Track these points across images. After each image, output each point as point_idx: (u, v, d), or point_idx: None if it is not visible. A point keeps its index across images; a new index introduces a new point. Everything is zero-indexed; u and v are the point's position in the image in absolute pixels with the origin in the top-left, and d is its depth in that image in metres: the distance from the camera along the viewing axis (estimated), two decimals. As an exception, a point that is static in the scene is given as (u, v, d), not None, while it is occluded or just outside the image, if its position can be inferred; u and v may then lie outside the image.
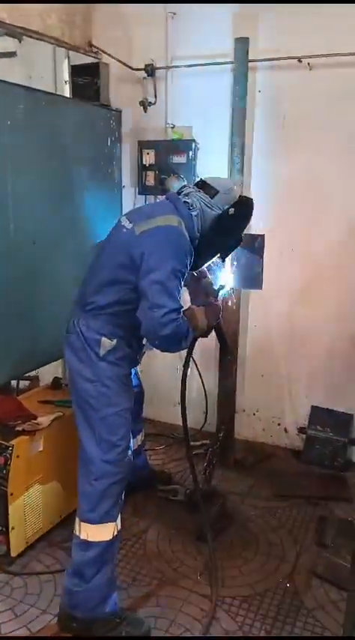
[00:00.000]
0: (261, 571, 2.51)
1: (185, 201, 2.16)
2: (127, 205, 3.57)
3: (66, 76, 3.58)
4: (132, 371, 2.33)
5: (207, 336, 2.31)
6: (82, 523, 2.09)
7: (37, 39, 3.08)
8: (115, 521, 2.10)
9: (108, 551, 2.09)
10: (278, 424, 3.63)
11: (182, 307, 2.03)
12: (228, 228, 2.21)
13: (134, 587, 2.39)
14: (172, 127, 3.49)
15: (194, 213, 2.14)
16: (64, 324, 2.20)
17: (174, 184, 3.28)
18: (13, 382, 3.39)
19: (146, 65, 3.44)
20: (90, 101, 3.37)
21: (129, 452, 2.12)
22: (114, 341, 2.09)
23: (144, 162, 3.50)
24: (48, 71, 3.65)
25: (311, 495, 3.06)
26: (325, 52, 2.98)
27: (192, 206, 2.15)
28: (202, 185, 2.22)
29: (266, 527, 2.82)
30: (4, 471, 2.40)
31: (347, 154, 3.11)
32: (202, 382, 3.49)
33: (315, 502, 3.01)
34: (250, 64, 3.05)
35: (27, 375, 3.43)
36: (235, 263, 2.87)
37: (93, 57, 3.53)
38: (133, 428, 2.27)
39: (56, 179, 2.94)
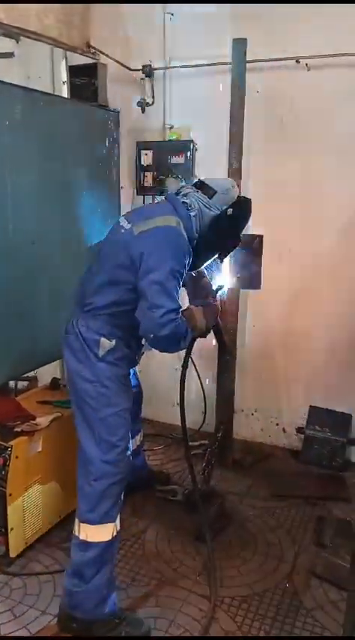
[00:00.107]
0: (259, 571, 2.51)
1: (183, 202, 2.16)
2: (125, 206, 3.57)
3: (64, 76, 3.58)
4: (131, 371, 2.33)
5: (205, 337, 2.31)
6: (81, 524, 2.09)
7: (35, 39, 3.07)
8: (115, 521, 2.10)
9: (108, 551, 2.09)
10: (277, 424, 3.64)
11: (181, 307, 2.04)
12: (227, 228, 2.22)
13: (133, 587, 2.39)
14: (170, 128, 3.49)
15: (192, 214, 2.15)
16: (63, 325, 2.20)
17: (172, 185, 3.29)
18: (12, 383, 3.38)
19: (144, 66, 3.44)
20: (88, 102, 3.37)
21: (128, 452, 2.12)
22: (113, 341, 2.09)
23: (142, 163, 3.50)
24: (46, 72, 3.65)
25: (309, 495, 3.07)
26: (323, 52, 2.98)
27: (190, 206, 2.16)
28: (200, 185, 2.22)
29: (264, 527, 2.82)
30: (3, 472, 2.40)
31: (346, 154, 3.12)
32: (201, 382, 3.49)
33: (314, 502, 3.01)
34: (248, 64, 3.05)
35: (25, 375, 3.42)
36: (234, 263, 2.87)
37: (91, 57, 3.53)
38: (132, 428, 2.27)
39: (54, 180, 2.94)
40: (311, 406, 3.46)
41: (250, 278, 2.94)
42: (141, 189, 3.56)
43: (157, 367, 3.71)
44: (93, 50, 3.53)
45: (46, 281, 2.92)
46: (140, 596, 2.34)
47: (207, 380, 3.51)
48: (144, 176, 3.51)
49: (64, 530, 2.63)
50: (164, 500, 2.98)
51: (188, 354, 2.44)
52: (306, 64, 3.08)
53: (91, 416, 2.08)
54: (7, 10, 2.81)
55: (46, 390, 3.08)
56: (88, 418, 2.09)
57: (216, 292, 2.42)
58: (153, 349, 2.14)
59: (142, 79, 3.49)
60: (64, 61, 3.55)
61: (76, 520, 2.11)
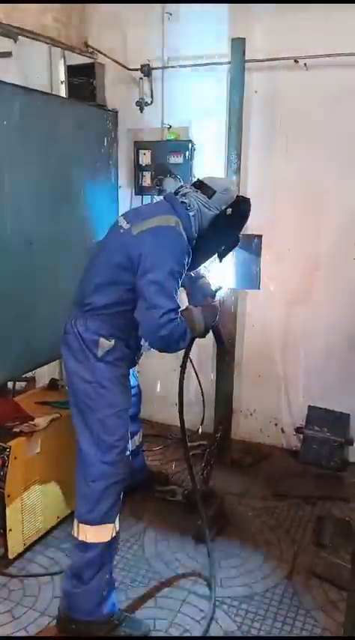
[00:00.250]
0: (259, 571, 2.51)
1: (182, 202, 2.16)
2: (124, 206, 3.57)
3: (62, 76, 3.57)
4: (131, 371, 2.32)
5: (204, 337, 2.30)
6: (80, 524, 2.08)
7: (33, 39, 3.07)
8: (114, 522, 2.09)
9: (107, 552, 2.08)
10: (276, 424, 3.63)
11: (180, 307, 2.03)
12: (226, 228, 2.21)
13: (132, 588, 2.38)
14: (169, 128, 3.48)
15: (191, 214, 2.14)
16: (62, 325, 2.19)
17: (171, 185, 3.28)
18: (10, 383, 3.37)
19: (142, 65, 3.43)
20: (86, 101, 3.37)
21: (127, 452, 2.12)
22: (112, 341, 2.08)
23: (140, 163, 3.49)
24: (44, 71, 3.64)
25: (308, 495, 3.07)
26: (321, 52, 2.98)
27: (189, 206, 2.15)
28: (199, 185, 2.22)
29: (263, 527, 2.82)
30: (2, 473, 2.39)
31: (344, 154, 3.12)
32: (199, 383, 3.48)
33: (313, 502, 3.01)
34: (246, 64, 3.05)
35: (24, 376, 3.41)
36: (233, 263, 2.87)
37: (89, 57, 3.52)
38: (131, 429, 2.27)
39: (52, 180, 2.94)
40: (309, 406, 3.46)
41: (249, 278, 2.94)
42: (140, 189, 3.55)
43: (156, 367, 3.70)
44: (91, 50, 3.52)
45: (45, 281, 2.91)
46: (139, 596, 2.34)
47: (206, 380, 3.51)
48: (142, 176, 3.51)
49: (63, 531, 2.62)
50: (163, 500, 2.97)
51: (187, 355, 2.43)
52: (305, 64, 3.07)
53: (90, 416, 2.07)
54: (5, 9, 2.81)
55: (45, 391, 3.07)
56: (86, 419, 2.08)
57: (215, 292, 2.41)
58: (152, 349, 2.13)
59: (141, 78, 3.48)
60: (62, 60, 3.54)
61: (75, 521, 2.11)
